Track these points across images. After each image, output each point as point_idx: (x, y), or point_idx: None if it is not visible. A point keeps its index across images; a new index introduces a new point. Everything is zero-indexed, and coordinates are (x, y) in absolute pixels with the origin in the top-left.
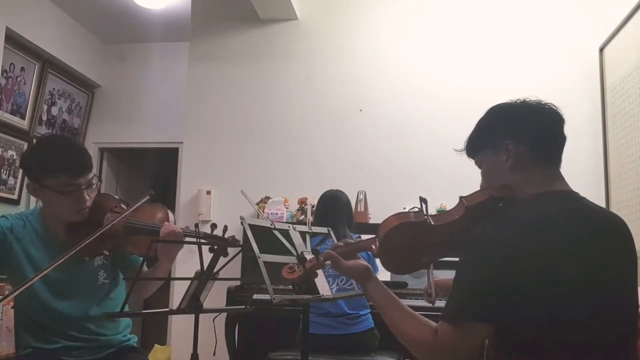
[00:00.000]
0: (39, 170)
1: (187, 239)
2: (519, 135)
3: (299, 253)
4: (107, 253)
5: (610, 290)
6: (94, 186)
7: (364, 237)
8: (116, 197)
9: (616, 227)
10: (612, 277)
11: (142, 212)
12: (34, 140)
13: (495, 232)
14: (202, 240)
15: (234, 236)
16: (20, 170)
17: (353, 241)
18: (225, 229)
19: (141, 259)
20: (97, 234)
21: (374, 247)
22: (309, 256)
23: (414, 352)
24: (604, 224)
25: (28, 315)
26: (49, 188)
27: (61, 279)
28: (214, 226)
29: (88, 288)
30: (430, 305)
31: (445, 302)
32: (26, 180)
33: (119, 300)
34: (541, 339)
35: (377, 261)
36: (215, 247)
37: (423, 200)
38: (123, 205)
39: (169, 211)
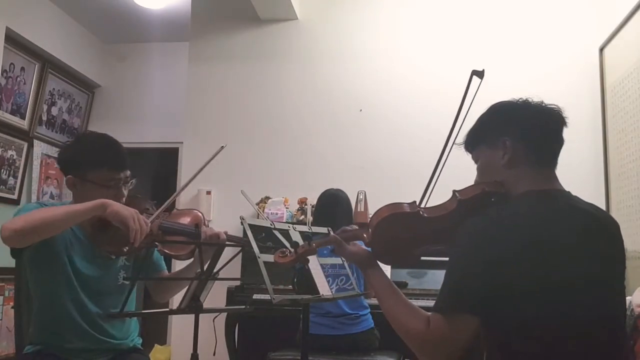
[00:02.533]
0: (83, 163)
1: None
2: (517, 133)
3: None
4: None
5: (599, 289)
6: (129, 184)
7: (356, 227)
8: (147, 199)
9: (606, 227)
10: (601, 276)
11: (175, 215)
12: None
13: (485, 227)
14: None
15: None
16: (21, 171)
17: (352, 228)
18: None
19: (163, 264)
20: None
21: (365, 235)
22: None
23: (407, 341)
24: (593, 223)
25: (54, 309)
26: (91, 182)
27: (91, 276)
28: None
29: (111, 288)
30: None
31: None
32: (65, 175)
33: (134, 302)
34: (530, 335)
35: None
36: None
37: (477, 73)
38: (154, 207)
39: (201, 214)
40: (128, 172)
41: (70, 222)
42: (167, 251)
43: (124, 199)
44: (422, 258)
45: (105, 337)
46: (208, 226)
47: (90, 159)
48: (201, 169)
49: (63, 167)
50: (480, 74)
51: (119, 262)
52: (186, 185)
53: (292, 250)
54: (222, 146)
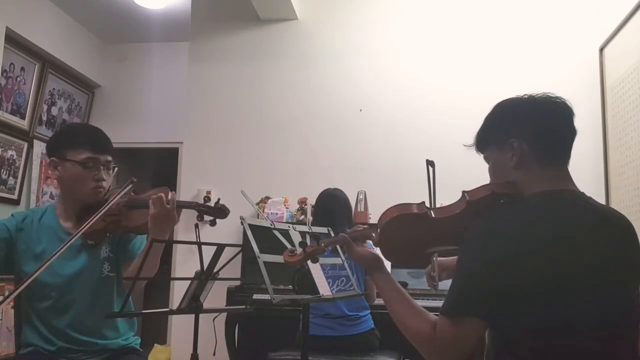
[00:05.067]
0: (64, 144)
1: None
2: (523, 133)
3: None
4: (109, 235)
5: (610, 292)
6: (112, 171)
7: (365, 227)
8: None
9: (619, 227)
10: (613, 278)
11: (147, 194)
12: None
13: (493, 229)
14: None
15: (223, 205)
16: (21, 171)
17: (360, 228)
18: (218, 201)
19: (140, 250)
20: (102, 210)
21: (374, 235)
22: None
23: (414, 344)
24: (604, 224)
25: (34, 311)
26: (71, 161)
27: (69, 275)
28: (207, 199)
29: (93, 281)
30: (434, 292)
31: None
32: (48, 159)
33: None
34: (537, 339)
35: (379, 251)
36: (204, 215)
37: (430, 163)
38: (132, 193)
39: (171, 191)
40: (109, 157)
41: None
42: (125, 223)
43: (103, 183)
44: None
45: (90, 337)
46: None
47: (70, 139)
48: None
49: (48, 152)
50: (431, 163)
51: (102, 254)
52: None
53: (301, 249)
54: (133, 179)
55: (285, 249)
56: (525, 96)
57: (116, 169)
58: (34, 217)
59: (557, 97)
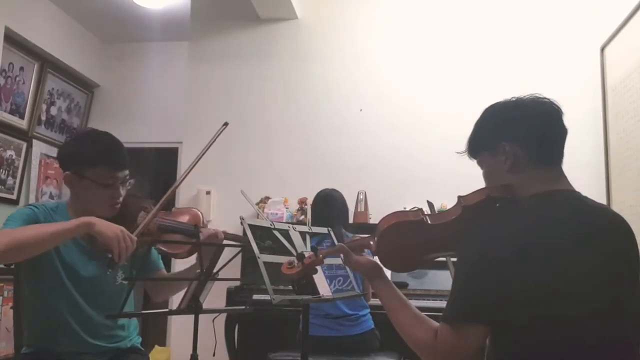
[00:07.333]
0: (81, 161)
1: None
2: (514, 136)
3: (298, 252)
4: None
5: (609, 293)
6: (127, 184)
7: (363, 236)
8: (146, 198)
9: (617, 228)
10: (612, 278)
11: (174, 213)
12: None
13: (490, 234)
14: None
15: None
16: (20, 171)
17: (358, 238)
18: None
19: (161, 263)
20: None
21: (372, 243)
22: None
23: (416, 351)
24: (604, 225)
25: (46, 314)
26: (89, 179)
27: (88, 277)
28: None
29: (108, 289)
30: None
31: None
32: (63, 172)
33: (132, 302)
34: (536, 341)
35: (376, 259)
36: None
37: (430, 205)
38: (152, 206)
39: (200, 213)
40: (127, 172)
41: (57, 242)
42: (165, 249)
43: (121, 198)
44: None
45: (100, 341)
46: (207, 225)
47: (90, 156)
48: (205, 150)
49: (62, 163)
50: (431, 204)
51: None
52: (188, 171)
53: (299, 261)
54: (226, 123)
55: (286, 249)
56: (514, 99)
57: (132, 181)
58: (47, 212)
59: (545, 98)
